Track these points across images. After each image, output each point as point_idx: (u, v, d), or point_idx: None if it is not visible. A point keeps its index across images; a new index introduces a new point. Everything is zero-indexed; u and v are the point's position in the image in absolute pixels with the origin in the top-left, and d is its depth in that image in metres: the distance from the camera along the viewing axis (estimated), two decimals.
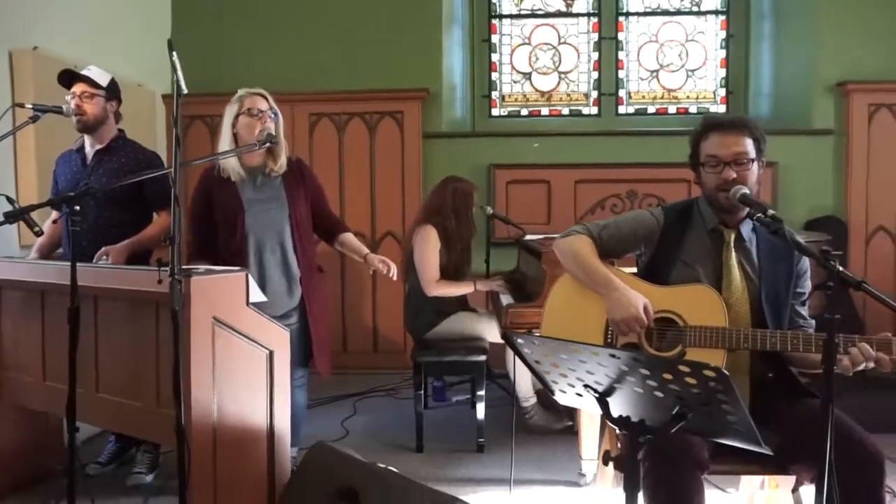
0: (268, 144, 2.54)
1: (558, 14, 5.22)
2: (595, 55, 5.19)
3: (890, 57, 4.55)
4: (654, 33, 5.19)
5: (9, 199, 2.13)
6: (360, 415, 3.82)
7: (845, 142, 4.61)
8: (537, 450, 3.22)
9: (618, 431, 1.88)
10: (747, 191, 1.79)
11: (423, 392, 3.40)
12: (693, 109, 5.13)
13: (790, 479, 1.96)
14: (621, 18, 5.17)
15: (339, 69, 4.76)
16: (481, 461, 3.13)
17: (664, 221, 1.99)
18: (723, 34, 5.14)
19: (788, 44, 4.87)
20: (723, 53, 5.15)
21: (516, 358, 1.51)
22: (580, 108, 5.22)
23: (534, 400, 3.44)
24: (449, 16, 4.91)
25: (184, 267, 1.97)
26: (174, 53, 1.90)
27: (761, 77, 5.07)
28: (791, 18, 4.84)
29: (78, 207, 2.03)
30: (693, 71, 5.19)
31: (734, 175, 1.85)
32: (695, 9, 5.19)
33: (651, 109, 5.19)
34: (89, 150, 2.85)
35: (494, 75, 5.23)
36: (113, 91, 2.86)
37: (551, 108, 5.23)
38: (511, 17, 5.24)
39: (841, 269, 1.33)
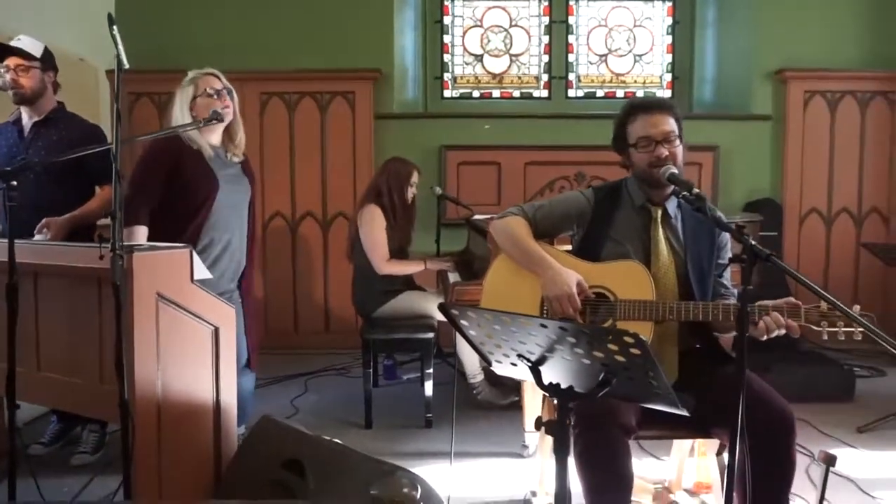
0: (214, 122, 2.52)
1: None
2: (546, 38, 5.26)
3: (825, 45, 4.75)
4: (603, 18, 5.28)
5: None
6: (310, 393, 3.85)
7: (782, 127, 4.80)
8: (484, 424, 3.31)
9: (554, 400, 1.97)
10: (675, 170, 1.88)
11: (372, 370, 3.45)
12: (640, 94, 5.25)
13: (715, 444, 2.08)
14: (571, 2, 5.25)
15: (290, 48, 4.72)
16: (429, 436, 3.20)
17: (594, 201, 2.08)
18: (669, 20, 5.27)
19: (731, 31, 5.03)
20: (669, 39, 5.28)
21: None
22: (531, 90, 5.29)
23: (481, 377, 3.53)
24: None
25: (126, 243, 1.96)
26: (115, 27, 1.88)
27: (705, 63, 5.23)
28: (734, 7, 4.99)
29: (15, 182, 1.99)
30: (640, 56, 5.31)
31: (666, 153, 1.95)
32: None
33: (600, 93, 5.30)
34: (27, 122, 2.78)
35: (446, 57, 5.25)
36: (48, 61, 2.78)
37: (503, 90, 5.29)
38: None
39: (753, 242, 1.42)
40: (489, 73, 5.30)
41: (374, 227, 3.39)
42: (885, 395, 3.70)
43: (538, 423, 1.55)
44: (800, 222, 4.83)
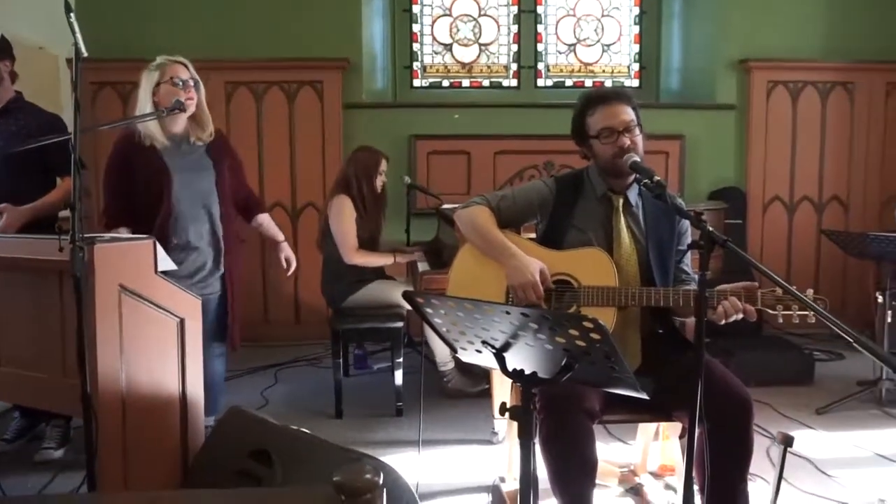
0: (176, 111, 2.49)
1: None
2: (515, 28, 5.27)
3: (787, 36, 4.83)
4: (571, 7, 5.31)
5: None
6: (280, 384, 3.84)
7: (746, 116, 4.89)
8: (453, 412, 3.34)
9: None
10: (637, 158, 1.92)
11: (342, 360, 3.45)
12: (608, 83, 5.30)
13: (678, 428, 2.13)
14: None
15: (256, 36, 4.65)
16: (399, 424, 3.22)
17: (556, 191, 2.10)
18: (636, 10, 5.31)
19: (696, 22, 5.09)
20: (636, 29, 5.32)
21: None
22: (500, 80, 5.30)
23: (451, 365, 3.55)
24: None
25: (87, 235, 1.93)
26: (72, 15, 1.85)
27: (671, 53, 5.29)
28: None
29: None
30: (608, 46, 5.35)
31: (629, 142, 1.98)
32: None
33: (569, 83, 5.33)
34: None
35: (415, 46, 5.23)
36: (5, 50, 2.72)
37: (472, 79, 5.29)
38: None
39: (710, 229, 1.46)
40: (458, 62, 5.30)
41: (344, 218, 3.38)
42: (842, 377, 3.81)
43: (503, 409, 1.57)
44: (763, 210, 4.93)
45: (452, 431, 3.10)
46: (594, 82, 5.30)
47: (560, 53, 5.33)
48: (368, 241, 3.48)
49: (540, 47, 5.29)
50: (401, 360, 3.32)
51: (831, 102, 4.90)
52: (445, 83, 5.28)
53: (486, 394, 3.45)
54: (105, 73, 4.48)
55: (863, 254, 3.46)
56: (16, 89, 2.79)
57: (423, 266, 3.40)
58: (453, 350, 1.65)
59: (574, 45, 5.33)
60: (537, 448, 1.60)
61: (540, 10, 5.26)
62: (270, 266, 4.70)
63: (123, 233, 2.56)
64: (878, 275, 4.11)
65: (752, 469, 1.88)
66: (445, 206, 3.65)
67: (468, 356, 1.63)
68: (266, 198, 4.70)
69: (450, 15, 5.26)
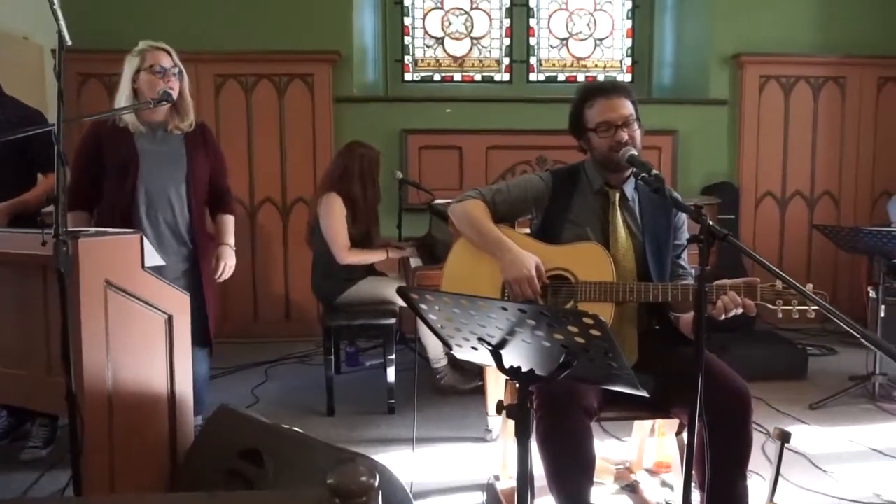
0: (164, 102, 2.44)
1: None
2: (507, 22, 5.23)
3: (779, 31, 4.82)
4: (563, 2, 5.27)
5: None
6: (271, 382, 3.79)
7: (738, 111, 4.87)
8: (447, 409, 3.30)
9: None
10: (634, 152, 1.88)
11: (333, 357, 3.41)
12: (601, 78, 5.26)
13: (675, 424, 2.11)
14: None
15: (246, 28, 4.59)
16: (392, 422, 3.18)
17: (552, 185, 2.07)
18: (629, 4, 5.29)
19: (688, 16, 5.07)
20: (629, 24, 5.30)
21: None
22: (492, 74, 5.26)
23: (444, 362, 3.51)
24: None
25: (71, 229, 1.88)
26: (55, 2, 1.79)
27: (664, 48, 5.27)
28: None
29: None
30: (601, 40, 5.32)
31: (627, 136, 1.94)
32: None
33: (561, 77, 5.30)
34: None
35: (407, 39, 5.19)
36: None
37: (464, 73, 5.25)
38: None
39: (711, 223, 1.43)
40: (450, 56, 5.25)
41: (334, 217, 3.33)
42: (835, 372, 3.81)
43: (499, 407, 1.54)
44: (755, 205, 4.93)
45: (446, 429, 3.07)
46: (587, 77, 5.27)
47: (552, 48, 5.30)
48: (364, 238, 3.43)
49: (532, 41, 5.26)
50: (393, 356, 3.28)
51: (823, 97, 4.90)
52: (437, 77, 5.23)
53: (480, 391, 3.43)
54: (90, 65, 4.41)
55: (855, 248, 3.45)
56: None
57: (415, 262, 3.36)
58: (448, 347, 1.61)
59: (566, 39, 5.30)
60: (534, 446, 1.57)
61: (532, 4, 5.23)
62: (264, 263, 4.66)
63: (81, 216, 2.52)
64: (869, 269, 4.12)
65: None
66: (438, 201, 3.61)
67: (463, 353, 1.60)
68: (255, 193, 4.66)
69: (441, 8, 5.22)
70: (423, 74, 5.22)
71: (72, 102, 4.41)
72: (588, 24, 5.30)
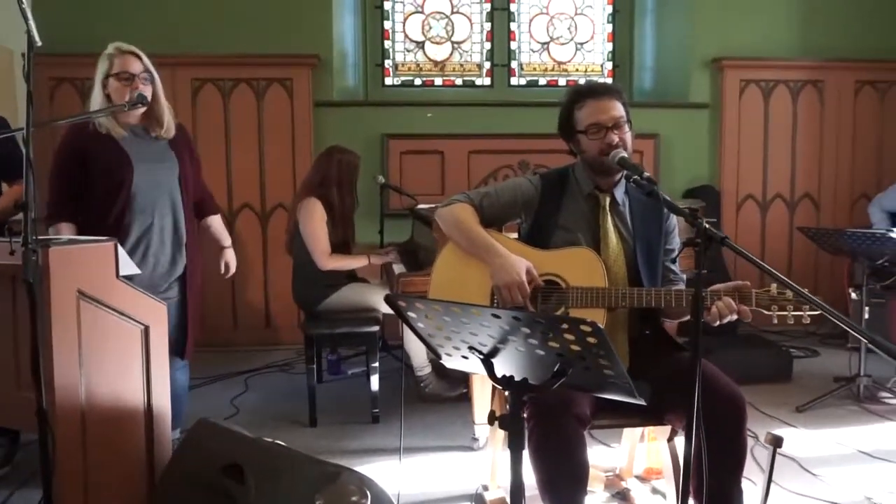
0: (139, 106, 2.35)
1: None
2: (487, 26, 5.21)
3: (758, 35, 4.85)
4: (544, 6, 5.26)
5: None
6: (251, 392, 3.70)
7: (719, 115, 4.89)
8: (432, 418, 3.24)
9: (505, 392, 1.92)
10: (625, 154, 1.85)
11: (315, 366, 3.34)
12: (582, 82, 5.25)
13: (666, 431, 2.07)
14: None
15: (224, 31, 4.51)
16: (376, 432, 3.11)
17: (542, 188, 2.02)
18: (609, 9, 5.29)
19: (669, 20, 5.09)
20: (609, 28, 5.30)
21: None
22: (473, 78, 5.23)
23: (429, 369, 3.46)
24: None
25: (41, 237, 1.80)
26: (24, 1, 1.72)
27: (645, 52, 5.28)
28: None
29: None
30: (582, 44, 5.32)
31: (617, 139, 1.91)
32: None
33: (542, 81, 5.28)
34: None
35: (387, 43, 5.14)
36: None
37: (445, 78, 5.21)
38: None
39: (707, 225, 1.40)
40: (431, 60, 5.21)
41: (315, 222, 3.26)
42: (819, 374, 3.82)
43: (492, 418, 1.49)
44: (737, 208, 4.94)
45: (431, 438, 3.01)
46: (568, 81, 5.26)
47: (533, 52, 5.28)
48: (342, 245, 3.37)
49: (513, 45, 5.24)
50: (376, 364, 3.22)
51: (802, 101, 4.93)
52: (418, 81, 5.19)
53: (465, 398, 3.38)
54: (64, 69, 4.31)
55: (839, 250, 3.46)
56: None
57: (398, 268, 3.30)
58: (437, 356, 1.56)
59: (547, 43, 5.29)
60: (525, 455, 1.52)
61: (513, 7, 5.21)
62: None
63: (65, 228, 2.41)
64: (850, 271, 4.14)
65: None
66: (420, 206, 3.56)
67: (453, 362, 1.55)
68: (234, 199, 4.57)
69: (422, 12, 5.18)
70: (403, 79, 5.18)
71: (44, 107, 4.30)
72: (569, 28, 5.29)
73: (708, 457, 1.60)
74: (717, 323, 1.72)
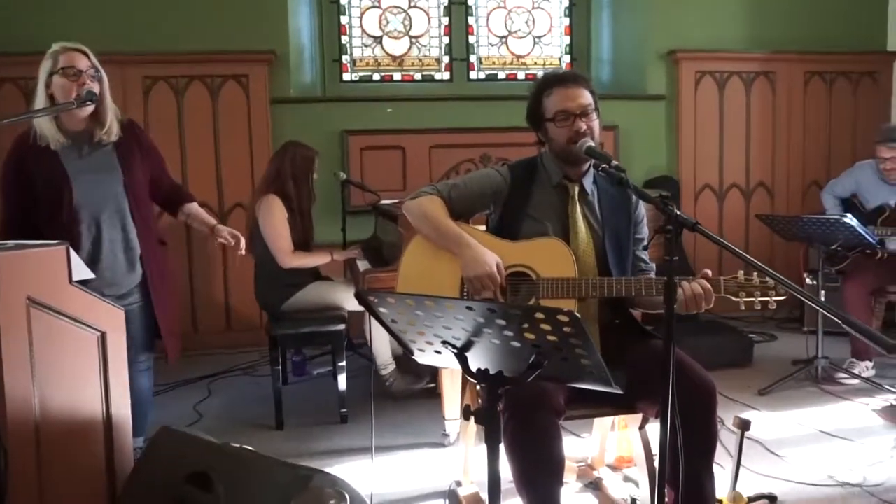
0: (88, 103, 2.25)
1: None
2: (445, 20, 5.18)
3: (712, 27, 4.93)
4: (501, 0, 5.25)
5: None
6: (214, 397, 3.61)
7: (676, 106, 4.96)
8: (401, 415, 3.21)
9: (478, 386, 1.90)
10: (592, 143, 1.84)
11: (280, 367, 3.27)
12: (541, 76, 5.26)
13: (637, 419, 2.08)
14: None
15: (175, 28, 4.37)
16: (344, 432, 3.07)
17: (511, 179, 2.01)
18: (566, 2, 5.31)
19: (624, 13, 5.13)
20: (566, 21, 5.32)
21: (373, 325, 1.46)
22: (432, 73, 5.19)
23: (393, 366, 3.42)
24: None
25: None
26: None
27: (602, 44, 5.32)
28: None
29: None
30: (540, 38, 5.33)
31: (585, 126, 1.90)
32: None
33: (501, 75, 5.27)
34: None
35: (344, 39, 5.06)
36: None
37: (403, 73, 5.16)
38: None
39: (678, 212, 1.39)
40: (389, 55, 5.15)
41: (275, 219, 3.19)
42: (778, 358, 3.90)
43: (466, 413, 1.47)
44: (695, 198, 5.02)
45: (401, 436, 2.98)
46: (527, 75, 5.26)
47: (492, 46, 5.27)
48: (302, 244, 3.30)
49: (472, 39, 5.22)
50: (343, 364, 3.17)
51: (755, 91, 5.04)
52: (376, 77, 5.13)
53: (434, 394, 3.35)
54: (6, 69, 4.13)
55: (795, 236, 3.54)
56: None
57: (363, 265, 3.25)
58: (409, 352, 1.53)
59: (505, 37, 5.28)
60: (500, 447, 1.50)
61: (470, 1, 5.18)
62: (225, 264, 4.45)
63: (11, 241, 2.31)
64: (806, 257, 4.25)
65: None
66: (383, 201, 3.52)
67: (426, 357, 1.52)
68: None
69: (379, 7, 5.11)
70: (361, 74, 5.11)
71: None
72: (526, 22, 5.30)
73: (681, 443, 1.61)
74: (685, 312, 1.72)
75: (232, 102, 4.45)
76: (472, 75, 5.22)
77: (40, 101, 2.30)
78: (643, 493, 2.15)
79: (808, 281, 4.24)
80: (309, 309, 3.24)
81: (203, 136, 4.43)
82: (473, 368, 1.42)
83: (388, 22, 5.14)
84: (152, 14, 4.36)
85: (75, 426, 1.88)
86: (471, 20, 5.20)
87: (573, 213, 1.96)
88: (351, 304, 3.34)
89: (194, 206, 2.75)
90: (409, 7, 5.15)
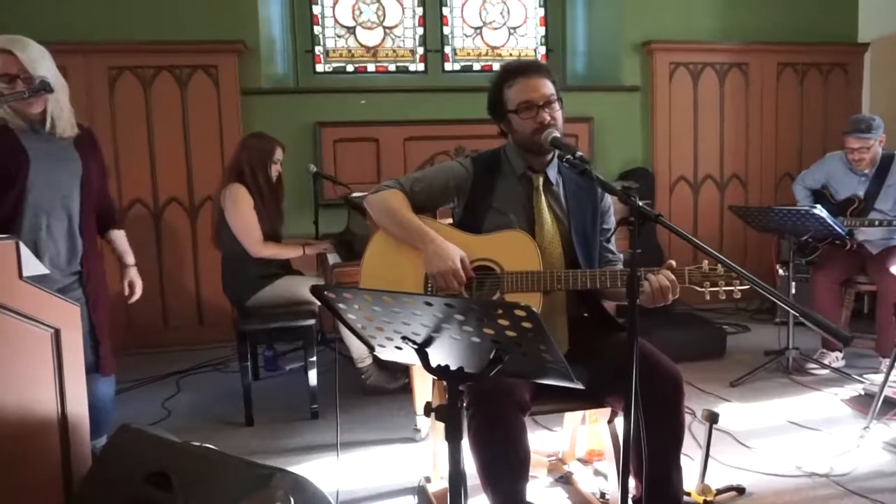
0: (41, 92, 2.17)
1: None
2: (420, 10, 5.12)
3: (687, 18, 4.94)
4: None
5: None
6: (183, 393, 3.55)
7: (650, 98, 4.96)
8: (374, 410, 3.18)
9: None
10: (557, 133, 1.82)
11: (250, 363, 3.22)
12: (500, 66, 5.23)
13: (606, 412, 2.07)
14: None
15: (142, 17, 4.28)
16: (316, 428, 3.02)
17: (474, 171, 1.98)
18: None
19: (598, 4, 5.12)
20: (542, 12, 5.30)
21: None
22: (407, 64, 5.14)
23: (370, 360, 3.38)
24: None
25: None
26: None
27: (577, 36, 5.30)
28: None
29: None
30: (515, 29, 5.30)
31: (549, 117, 1.87)
32: None
33: (476, 66, 5.24)
34: None
35: (317, 29, 4.99)
36: None
37: (378, 64, 5.11)
38: None
39: (640, 203, 1.37)
40: (363, 46, 5.09)
41: (242, 208, 3.13)
42: (750, 349, 3.93)
43: (428, 409, 1.44)
44: (670, 190, 5.04)
45: (373, 431, 2.95)
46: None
47: (467, 37, 5.23)
48: (271, 237, 3.24)
49: (446, 30, 5.17)
50: (314, 359, 3.12)
51: (728, 83, 5.05)
52: (350, 68, 5.07)
53: (407, 389, 3.32)
54: None
55: (767, 228, 3.55)
56: None
57: (333, 258, 3.21)
58: (370, 348, 1.50)
59: (480, 28, 5.25)
60: (465, 443, 1.47)
61: None
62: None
63: None
64: (778, 249, 4.27)
65: None
66: (355, 194, 3.47)
67: (387, 353, 1.49)
68: (159, 193, 4.37)
69: None
70: (335, 65, 5.04)
71: None
72: (501, 13, 5.26)
73: (647, 435, 1.59)
74: (652, 305, 1.71)
75: (201, 94, 4.37)
76: (447, 67, 5.18)
77: None
78: (612, 486, 2.14)
79: (780, 272, 4.26)
80: (279, 303, 3.19)
81: (172, 129, 4.35)
82: (434, 364, 1.39)
83: (361, 12, 5.08)
84: (119, 2, 4.25)
85: (28, 426, 1.82)
86: (445, 11, 5.16)
87: (538, 204, 1.93)
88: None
89: (122, 234, 2.65)
90: None
